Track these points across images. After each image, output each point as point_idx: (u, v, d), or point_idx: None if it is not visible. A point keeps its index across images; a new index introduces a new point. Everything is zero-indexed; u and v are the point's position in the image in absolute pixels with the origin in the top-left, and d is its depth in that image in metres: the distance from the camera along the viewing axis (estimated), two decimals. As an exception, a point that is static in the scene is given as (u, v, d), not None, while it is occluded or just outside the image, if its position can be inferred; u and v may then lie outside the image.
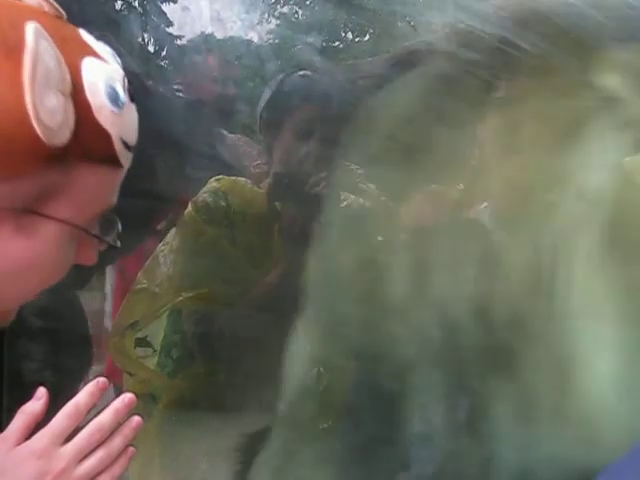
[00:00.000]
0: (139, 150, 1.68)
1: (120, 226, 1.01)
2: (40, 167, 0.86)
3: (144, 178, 1.71)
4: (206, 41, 2.65)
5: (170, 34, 2.72)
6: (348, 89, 2.45)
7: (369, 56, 2.63)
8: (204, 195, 2.26)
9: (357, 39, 2.78)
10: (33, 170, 0.86)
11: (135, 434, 1.02)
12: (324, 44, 2.54)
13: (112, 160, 0.93)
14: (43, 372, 1.50)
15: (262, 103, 2.35)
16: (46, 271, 0.94)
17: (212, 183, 2.28)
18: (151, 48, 2.67)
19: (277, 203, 2.27)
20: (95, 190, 0.93)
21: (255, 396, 2.26)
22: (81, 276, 1.69)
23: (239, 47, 2.63)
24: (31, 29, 0.85)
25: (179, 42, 2.67)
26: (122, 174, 0.98)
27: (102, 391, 1.01)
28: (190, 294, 2.21)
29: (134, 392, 1.03)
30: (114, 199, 0.98)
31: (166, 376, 2.26)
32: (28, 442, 0.98)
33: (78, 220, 0.93)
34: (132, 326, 2.22)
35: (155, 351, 2.27)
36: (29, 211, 0.88)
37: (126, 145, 0.95)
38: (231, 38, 2.62)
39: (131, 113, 0.97)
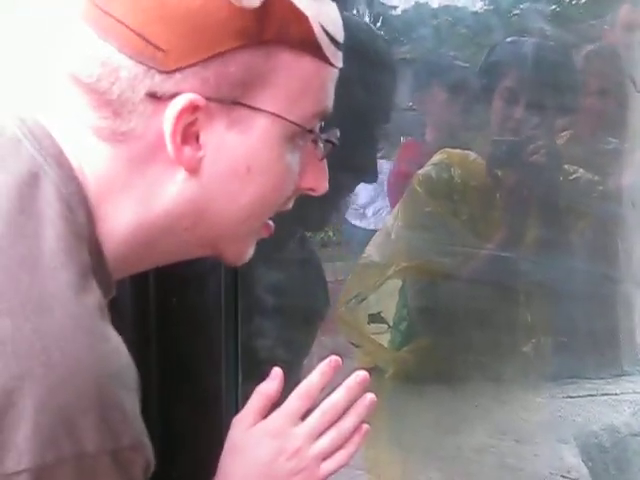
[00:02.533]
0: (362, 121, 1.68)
1: (338, 134, 0.94)
2: (235, 40, 0.83)
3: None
4: (423, 8, 2.63)
5: (384, 4, 2.71)
6: (567, 54, 2.37)
7: (587, 19, 2.54)
8: (428, 168, 2.26)
9: (574, 1, 2.68)
10: (229, 43, 0.82)
11: (368, 412, 1.02)
12: (542, 8, 2.46)
13: (314, 47, 0.87)
14: (276, 350, 1.54)
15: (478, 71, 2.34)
16: (263, 176, 0.88)
17: (438, 155, 2.27)
18: (367, 19, 2.67)
19: (498, 172, 2.24)
20: (303, 84, 0.87)
21: (479, 367, 2.25)
22: (315, 216, 1.70)
23: (456, 14, 2.60)
24: None
25: (394, 12, 2.66)
26: (333, 74, 0.91)
27: (335, 370, 1.02)
28: (409, 264, 2.22)
29: (363, 367, 1.03)
30: (328, 103, 0.91)
31: (392, 348, 2.29)
32: (264, 422, 1.01)
33: (290, 117, 0.88)
34: (356, 297, 2.25)
35: (390, 327, 2.30)
36: (238, 103, 0.85)
37: (330, 36, 0.88)
38: (447, 7, 2.59)
39: (330, 3, 0.90)
